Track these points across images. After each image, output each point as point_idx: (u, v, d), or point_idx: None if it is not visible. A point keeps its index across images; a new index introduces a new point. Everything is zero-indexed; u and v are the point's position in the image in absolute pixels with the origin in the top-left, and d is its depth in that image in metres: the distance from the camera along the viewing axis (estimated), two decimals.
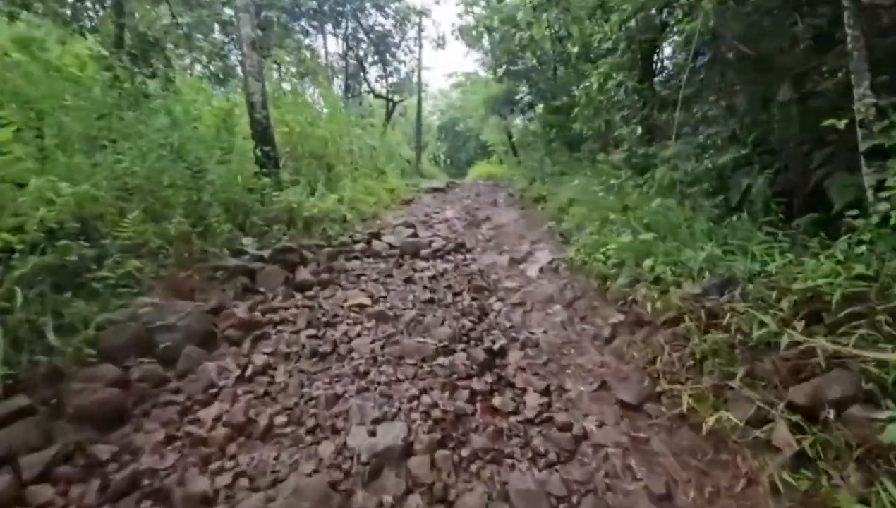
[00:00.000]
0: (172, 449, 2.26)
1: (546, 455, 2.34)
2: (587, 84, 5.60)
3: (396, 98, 17.18)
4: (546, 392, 2.83)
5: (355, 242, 6.48)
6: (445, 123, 25.14)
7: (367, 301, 4.31)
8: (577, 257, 4.68)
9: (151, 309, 3.24)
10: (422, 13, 16.58)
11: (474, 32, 13.26)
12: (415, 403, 2.68)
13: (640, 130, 7.32)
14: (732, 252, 3.19)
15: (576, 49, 10.45)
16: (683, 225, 3.88)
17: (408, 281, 5.02)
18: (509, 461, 2.30)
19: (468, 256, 6.14)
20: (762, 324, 2.44)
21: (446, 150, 25.82)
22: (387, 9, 16.12)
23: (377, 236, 6.76)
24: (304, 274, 4.85)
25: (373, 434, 2.40)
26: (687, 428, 2.42)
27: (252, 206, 5.85)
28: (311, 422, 2.46)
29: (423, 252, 6.18)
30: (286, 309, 4.08)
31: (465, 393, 2.78)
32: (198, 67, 15.45)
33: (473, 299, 4.44)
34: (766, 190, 4.48)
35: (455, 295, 4.61)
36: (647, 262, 3.59)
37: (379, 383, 2.90)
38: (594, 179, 6.74)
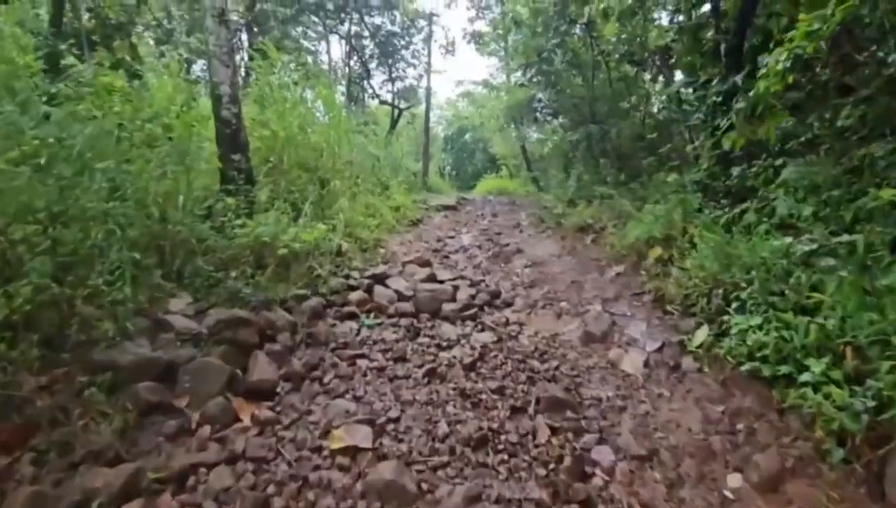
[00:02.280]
0: None
1: None
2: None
3: (403, 105, 15.20)
4: None
5: (351, 288, 4.48)
6: (452, 134, 23.17)
7: (364, 439, 2.27)
8: (727, 351, 2.67)
9: None
10: (432, 15, 14.67)
11: (497, 30, 11.31)
12: None
13: (726, 144, 5.34)
14: None
15: (611, 45, 8.53)
16: None
17: (431, 375, 2.99)
18: None
19: (510, 316, 4.13)
20: None
21: (452, 162, 23.85)
22: (395, 11, 14.17)
23: (381, 280, 4.74)
24: (263, 366, 2.81)
25: None
26: None
27: (202, 242, 3.83)
28: None
29: (447, 308, 4.17)
30: (210, 468, 2.04)
31: None
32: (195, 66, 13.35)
33: (552, 429, 2.41)
34: None
35: (515, 411, 2.59)
36: None
37: None
38: (678, 207, 4.74)
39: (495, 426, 2.41)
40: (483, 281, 5.15)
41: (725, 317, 2.79)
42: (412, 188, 12.02)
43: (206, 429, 2.28)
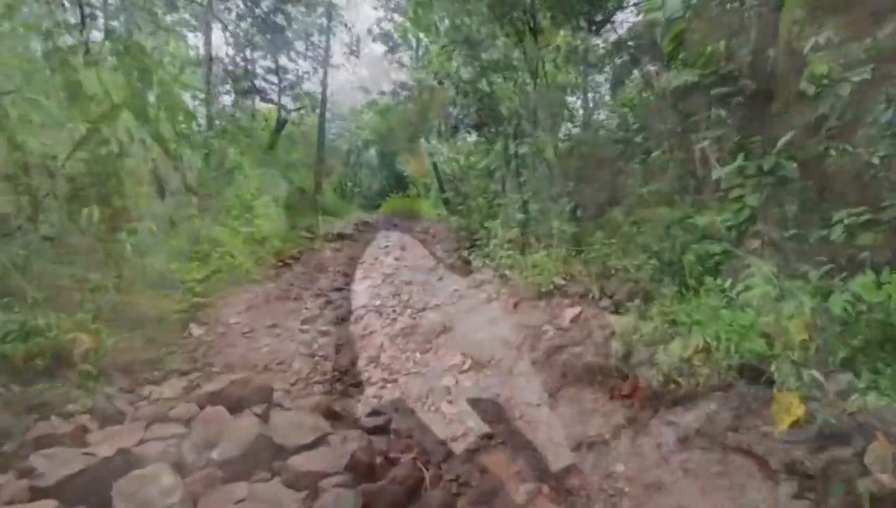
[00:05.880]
0: None
1: None
2: None
3: (292, 105, 11.76)
4: None
5: None
6: (355, 148, 19.91)
7: None
8: None
9: None
10: (330, 2, 11.54)
11: (409, 19, 8.49)
12: None
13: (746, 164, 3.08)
14: None
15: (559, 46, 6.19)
16: None
17: None
18: None
19: None
20: None
21: (354, 179, 20.53)
22: None
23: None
24: None
25: None
26: None
27: None
28: None
29: None
30: None
31: None
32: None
33: None
34: None
35: None
36: None
37: None
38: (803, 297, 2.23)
39: None
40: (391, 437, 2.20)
41: None
42: (294, 209, 8.72)
43: None
